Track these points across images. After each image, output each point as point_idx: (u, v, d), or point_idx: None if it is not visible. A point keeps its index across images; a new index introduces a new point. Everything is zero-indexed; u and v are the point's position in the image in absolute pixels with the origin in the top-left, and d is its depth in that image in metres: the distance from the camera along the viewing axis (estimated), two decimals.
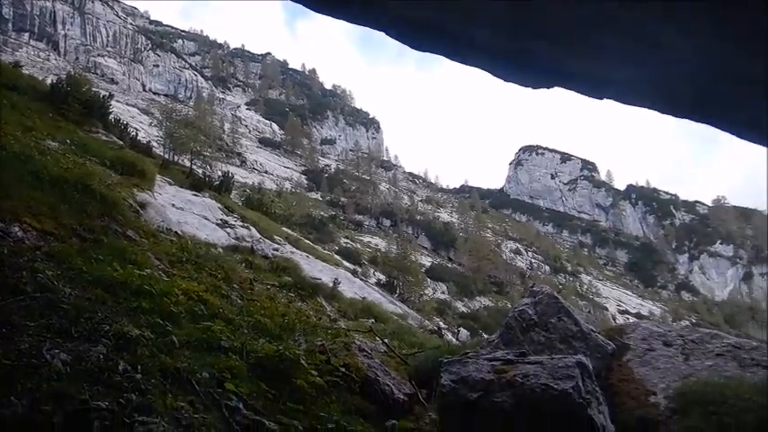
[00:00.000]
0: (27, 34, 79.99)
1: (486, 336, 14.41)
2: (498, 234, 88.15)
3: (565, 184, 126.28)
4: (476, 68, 5.29)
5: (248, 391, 4.58)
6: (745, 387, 5.08)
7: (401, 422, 5.62)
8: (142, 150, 21.86)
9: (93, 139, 15.37)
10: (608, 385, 5.95)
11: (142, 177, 14.58)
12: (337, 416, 4.98)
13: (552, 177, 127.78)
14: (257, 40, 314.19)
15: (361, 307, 14.61)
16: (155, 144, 30.06)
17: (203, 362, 4.66)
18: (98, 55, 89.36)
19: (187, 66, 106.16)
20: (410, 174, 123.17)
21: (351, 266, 29.20)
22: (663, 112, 5.17)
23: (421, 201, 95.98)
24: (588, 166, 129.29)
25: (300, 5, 4.97)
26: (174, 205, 15.71)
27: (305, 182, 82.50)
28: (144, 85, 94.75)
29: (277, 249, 17.42)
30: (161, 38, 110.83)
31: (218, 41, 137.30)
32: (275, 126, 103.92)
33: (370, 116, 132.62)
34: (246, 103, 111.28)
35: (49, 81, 21.55)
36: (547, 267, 79.85)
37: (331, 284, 14.80)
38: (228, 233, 16.41)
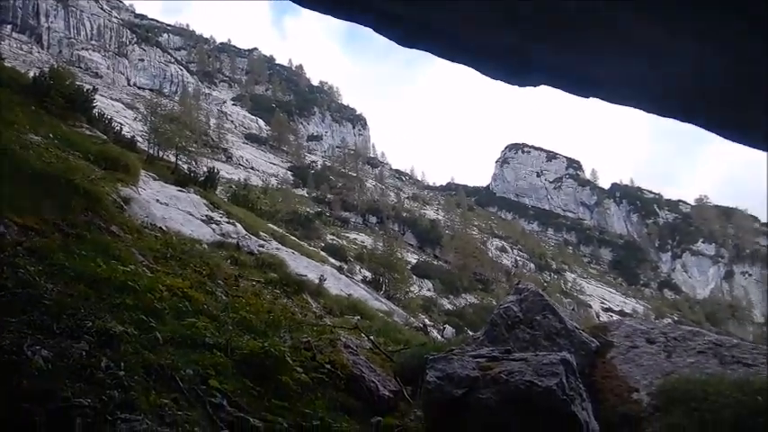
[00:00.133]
0: (9, 26, 78.72)
1: (471, 333, 14.46)
2: (484, 232, 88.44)
3: (550, 182, 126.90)
4: (463, 66, 5.30)
5: (233, 387, 4.56)
6: (725, 384, 5.14)
7: (386, 419, 5.63)
8: (126, 145, 21.66)
9: (76, 134, 15.20)
10: (592, 382, 6.01)
11: (126, 172, 14.46)
12: (322, 413, 4.98)
13: (538, 175, 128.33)
14: (244, 35, 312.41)
15: (347, 304, 14.61)
16: (139, 139, 29.84)
17: (187, 359, 4.63)
18: (82, 48, 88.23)
19: (173, 60, 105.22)
20: (397, 171, 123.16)
21: (337, 263, 29.16)
22: (649, 112, 5.21)
23: (407, 198, 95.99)
24: (573, 164, 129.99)
25: (288, 1, 4.94)
26: (158, 201, 15.61)
27: (291, 178, 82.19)
28: (129, 80, 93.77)
29: (263, 246, 17.36)
30: (146, 32, 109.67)
31: (204, 36, 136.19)
32: (261, 122, 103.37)
33: (357, 113, 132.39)
34: (232, 99, 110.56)
35: (31, 74, 21.30)
36: (532, 265, 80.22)
37: (317, 281, 14.79)
38: (214, 229, 16.33)
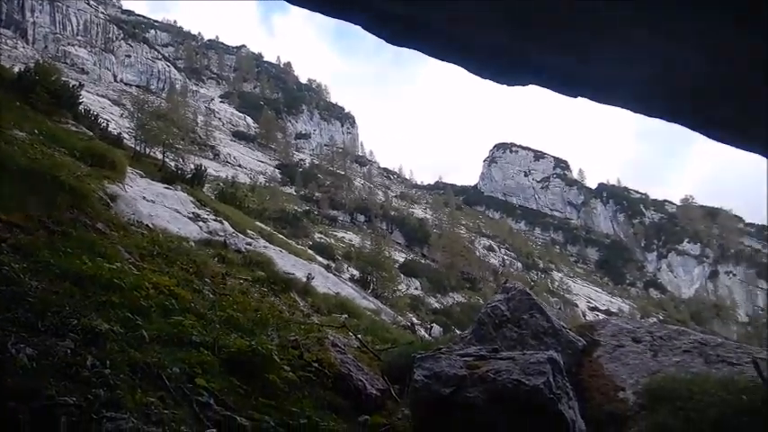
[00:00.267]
0: None
1: (458, 332, 14.50)
2: (472, 231, 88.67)
3: (538, 181, 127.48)
4: (452, 65, 5.31)
5: (220, 386, 4.54)
6: (710, 383, 5.19)
7: (374, 417, 5.63)
8: (113, 142, 21.52)
9: (62, 130, 15.05)
10: (578, 381, 6.04)
11: (113, 169, 14.35)
12: (310, 411, 4.96)
13: (525, 175, 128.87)
14: (232, 32, 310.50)
15: (335, 302, 14.61)
16: (126, 136, 29.55)
17: (174, 357, 4.60)
18: (68, 44, 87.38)
19: (160, 57, 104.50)
20: (385, 169, 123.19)
21: (324, 262, 29.14)
22: (636, 112, 5.25)
23: (395, 197, 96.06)
24: (561, 164, 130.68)
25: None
26: (145, 198, 15.51)
27: (279, 176, 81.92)
28: (115, 76, 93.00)
29: (250, 244, 17.30)
30: (133, 28, 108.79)
31: (192, 33, 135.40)
32: (249, 119, 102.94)
33: (346, 111, 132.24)
34: (220, 96, 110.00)
35: (16, 70, 21.08)
36: (519, 264, 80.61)
37: (304, 279, 14.77)
38: (201, 227, 16.25)
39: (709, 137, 5.21)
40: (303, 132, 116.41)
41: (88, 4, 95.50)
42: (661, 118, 5.26)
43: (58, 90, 18.63)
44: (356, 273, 34.81)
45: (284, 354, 5.79)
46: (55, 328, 4.17)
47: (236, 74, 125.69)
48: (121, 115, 38.66)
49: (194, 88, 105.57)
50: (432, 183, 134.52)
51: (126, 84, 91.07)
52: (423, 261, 62.50)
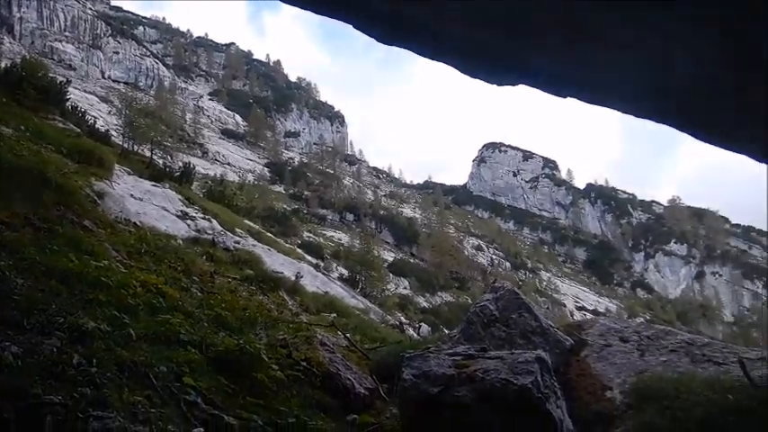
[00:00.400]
0: None
1: (447, 331, 14.53)
2: (460, 230, 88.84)
3: (526, 181, 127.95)
4: (442, 64, 5.31)
5: (207, 385, 4.52)
6: (697, 382, 5.22)
7: (362, 416, 5.62)
8: (100, 139, 21.30)
9: (49, 127, 14.91)
10: (566, 380, 6.07)
11: (100, 166, 14.26)
12: (298, 410, 4.95)
13: (514, 175, 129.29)
14: (221, 29, 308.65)
15: (324, 301, 14.60)
16: (114, 133, 29.36)
17: (161, 355, 4.58)
18: (55, 40, 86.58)
19: (148, 53, 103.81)
20: (374, 168, 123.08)
21: (313, 260, 29.08)
22: (624, 112, 5.28)
23: (384, 196, 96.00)
24: (549, 164, 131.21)
25: None
26: (132, 196, 15.40)
27: (268, 174, 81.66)
28: (103, 73, 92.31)
29: (239, 242, 17.23)
30: (121, 24, 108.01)
31: (181, 30, 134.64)
32: (238, 117, 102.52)
33: (335, 110, 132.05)
34: (209, 94, 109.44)
35: (2, 65, 20.84)
36: (508, 264, 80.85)
37: (293, 278, 14.74)
38: (189, 225, 16.17)
39: (696, 138, 5.25)
40: (292, 131, 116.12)
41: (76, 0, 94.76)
42: (649, 118, 5.29)
43: (45, 86, 18.47)
44: (345, 272, 34.79)
45: (272, 353, 5.78)
46: (41, 326, 4.14)
47: (226, 71, 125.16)
48: (109, 112, 38.51)
49: (183, 86, 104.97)
50: (421, 182, 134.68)
51: (114, 80, 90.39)
52: (411, 260, 62.56)
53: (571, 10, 3.90)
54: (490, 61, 4.86)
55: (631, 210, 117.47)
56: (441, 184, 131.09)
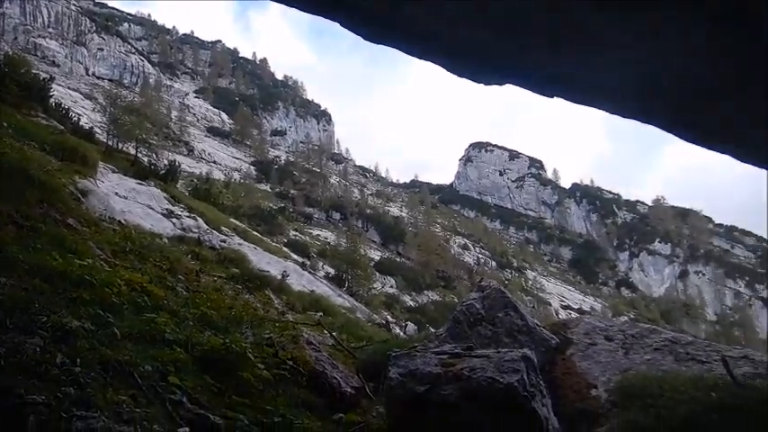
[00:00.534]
0: None
1: (433, 330, 14.56)
2: (447, 229, 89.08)
3: (513, 181, 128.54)
4: (429, 63, 5.31)
5: (193, 384, 4.49)
6: (680, 380, 5.27)
7: (348, 415, 5.61)
8: (84, 136, 21.08)
9: (32, 123, 14.75)
10: (552, 378, 6.09)
11: (84, 164, 14.13)
12: (284, 409, 4.93)
13: (501, 174, 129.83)
14: (207, 26, 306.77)
15: (310, 300, 14.58)
16: (98, 130, 29.02)
17: (146, 354, 4.54)
18: (38, 36, 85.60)
19: (133, 50, 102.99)
20: (361, 167, 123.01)
21: (300, 259, 29.00)
22: (611, 112, 5.31)
23: (371, 195, 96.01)
24: (536, 164, 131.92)
25: None
26: (117, 194, 15.29)
27: (254, 173, 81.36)
28: (87, 69, 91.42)
29: (224, 241, 17.16)
30: (106, 20, 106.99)
31: (167, 27, 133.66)
32: (224, 115, 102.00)
33: (322, 108, 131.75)
34: (195, 91, 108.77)
35: None
36: (494, 263, 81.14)
37: (279, 277, 14.71)
38: (174, 223, 16.07)
39: (682, 138, 5.29)
40: (279, 129, 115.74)
41: None
42: (636, 118, 5.33)
43: (28, 83, 18.26)
44: (331, 270, 34.76)
45: (258, 352, 5.75)
46: (23, 325, 4.08)
47: (212, 69, 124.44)
48: (93, 109, 38.13)
49: (168, 83, 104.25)
50: (407, 181, 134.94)
51: (98, 77, 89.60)
52: (398, 259, 62.62)
53: (560, 10, 3.92)
54: (478, 61, 4.87)
55: (616, 209, 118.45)
56: (427, 184, 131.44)
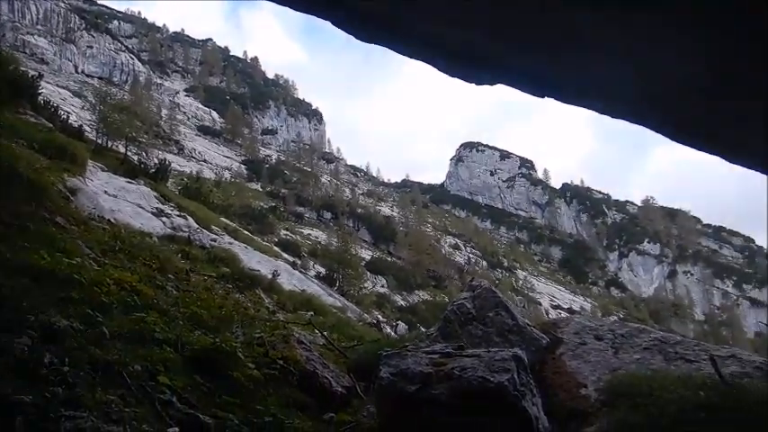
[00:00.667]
0: None
1: (424, 329, 14.57)
2: (438, 229, 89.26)
3: (503, 181, 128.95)
4: (421, 62, 5.31)
5: (183, 384, 4.47)
6: (670, 379, 5.29)
7: (339, 415, 5.61)
8: (73, 134, 20.93)
9: (20, 121, 14.61)
10: (542, 378, 6.10)
11: (73, 162, 14.02)
12: (275, 409, 4.92)
13: (491, 174, 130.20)
14: (198, 24, 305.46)
15: (301, 299, 14.55)
16: (87, 128, 28.80)
17: (135, 354, 4.51)
18: (27, 33, 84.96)
19: (123, 48, 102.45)
20: (352, 167, 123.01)
21: (290, 258, 28.97)
22: (602, 113, 5.32)
23: (362, 194, 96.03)
24: (526, 164, 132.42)
25: None
26: (106, 192, 15.19)
27: (245, 172, 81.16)
28: (76, 67, 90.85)
29: (215, 240, 17.11)
30: (95, 18, 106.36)
31: (157, 24, 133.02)
32: (215, 114, 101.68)
33: (313, 107, 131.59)
34: (185, 90, 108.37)
35: None
36: (484, 263, 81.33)
37: (270, 276, 14.67)
38: (164, 222, 16.00)
39: (673, 139, 5.31)
40: (270, 128, 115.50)
41: None
42: (625, 119, 5.35)
43: (16, 80, 18.06)
44: (322, 270, 34.72)
45: (249, 351, 5.73)
46: (11, 324, 4.05)
47: (202, 68, 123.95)
48: (83, 107, 37.79)
49: (159, 81, 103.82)
50: (399, 181, 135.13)
51: (88, 75, 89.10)
52: (389, 259, 62.65)
53: (553, 11, 3.92)
54: (470, 61, 4.87)
55: (606, 209, 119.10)
56: (418, 183, 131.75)
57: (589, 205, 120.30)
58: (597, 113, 5.44)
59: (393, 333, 19.11)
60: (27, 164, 9.05)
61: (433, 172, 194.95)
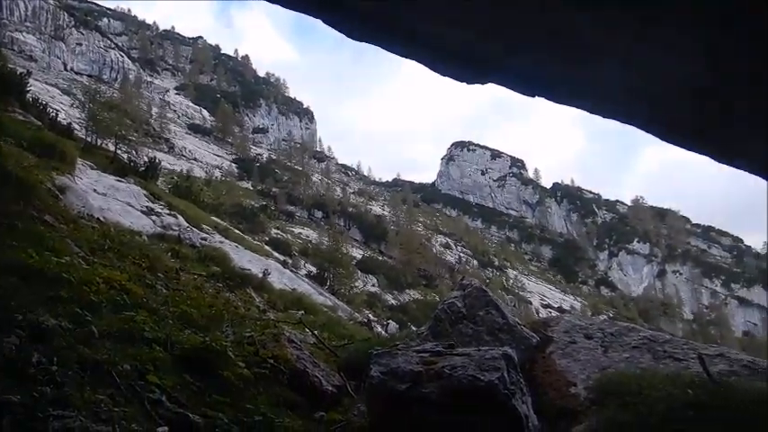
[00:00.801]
0: None
1: (414, 328, 14.58)
2: (429, 228, 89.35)
3: (494, 180, 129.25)
4: (412, 61, 5.31)
5: (172, 383, 4.45)
6: (658, 378, 5.32)
7: (330, 414, 5.60)
8: (62, 132, 20.78)
9: (8, 119, 14.51)
10: (532, 376, 6.12)
11: (62, 160, 13.94)
12: (265, 408, 4.91)
13: (482, 174, 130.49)
14: (188, 22, 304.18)
15: (291, 298, 14.52)
16: (76, 126, 28.64)
17: (125, 353, 4.49)
18: (15, 30, 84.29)
19: (113, 46, 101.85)
20: (343, 166, 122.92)
21: (281, 257, 28.94)
22: (591, 112, 5.34)
23: (353, 193, 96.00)
24: (517, 163, 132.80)
25: None
26: (96, 191, 15.12)
27: (236, 170, 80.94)
28: (65, 65, 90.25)
29: (205, 239, 17.04)
30: (85, 15, 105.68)
31: (147, 22, 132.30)
32: (205, 112, 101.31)
33: (304, 106, 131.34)
34: (176, 88, 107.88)
35: None
36: (475, 262, 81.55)
37: (260, 275, 14.63)
38: (154, 221, 15.93)
39: (663, 139, 5.33)
40: (261, 127, 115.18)
41: None
42: (616, 119, 5.37)
43: (4, 77, 17.95)
44: (313, 269, 34.70)
45: (239, 350, 5.72)
46: None
47: (193, 66, 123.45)
48: (72, 105, 37.48)
49: (149, 79, 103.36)
50: (390, 180, 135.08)
51: (77, 73, 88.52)
52: (380, 258, 62.69)
53: (546, 11, 3.93)
54: (461, 60, 4.87)
55: (596, 209, 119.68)
56: (409, 182, 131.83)
57: (579, 205, 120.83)
58: (587, 113, 5.46)
59: (384, 332, 19.12)
60: (15, 162, 8.99)
61: (425, 171, 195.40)
